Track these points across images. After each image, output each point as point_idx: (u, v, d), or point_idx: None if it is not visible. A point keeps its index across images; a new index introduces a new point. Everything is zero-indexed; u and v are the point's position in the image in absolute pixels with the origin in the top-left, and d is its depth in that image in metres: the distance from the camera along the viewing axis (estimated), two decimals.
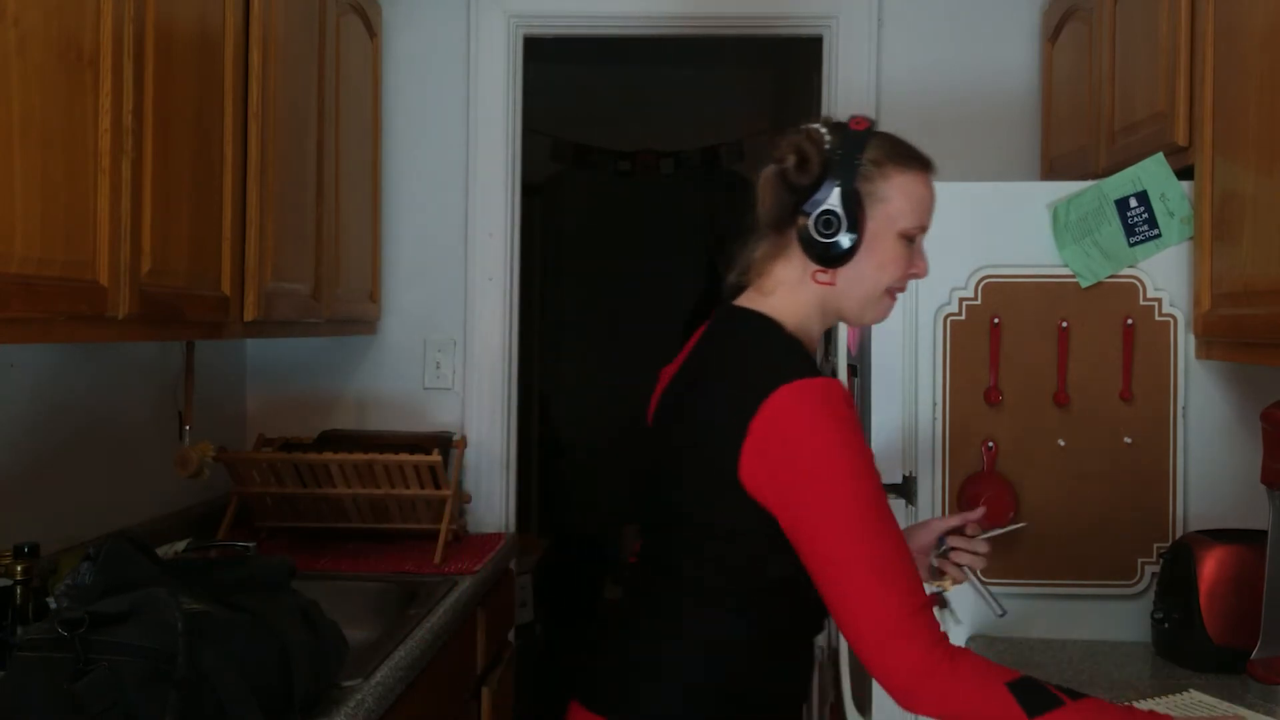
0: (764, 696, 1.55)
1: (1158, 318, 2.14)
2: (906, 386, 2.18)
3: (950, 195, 2.16)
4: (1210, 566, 1.95)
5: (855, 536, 1.38)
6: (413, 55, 3.15)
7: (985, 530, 1.73)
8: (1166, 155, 2.09)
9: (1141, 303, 2.14)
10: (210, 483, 2.62)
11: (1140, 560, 2.14)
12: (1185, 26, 2.01)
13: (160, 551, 2.06)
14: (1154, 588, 2.10)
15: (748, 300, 1.60)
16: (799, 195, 1.54)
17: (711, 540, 1.50)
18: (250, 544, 2.26)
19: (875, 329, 2.18)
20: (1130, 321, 2.14)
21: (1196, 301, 2.03)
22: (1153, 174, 2.10)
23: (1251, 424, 2.02)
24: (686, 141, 5.83)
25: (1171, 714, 1.48)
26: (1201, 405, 2.15)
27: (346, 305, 2.78)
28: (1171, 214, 2.10)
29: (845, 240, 1.52)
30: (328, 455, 2.65)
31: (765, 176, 1.62)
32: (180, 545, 2.26)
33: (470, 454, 3.12)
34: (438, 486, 2.69)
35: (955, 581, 1.71)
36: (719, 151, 5.81)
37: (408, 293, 3.16)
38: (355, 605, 2.33)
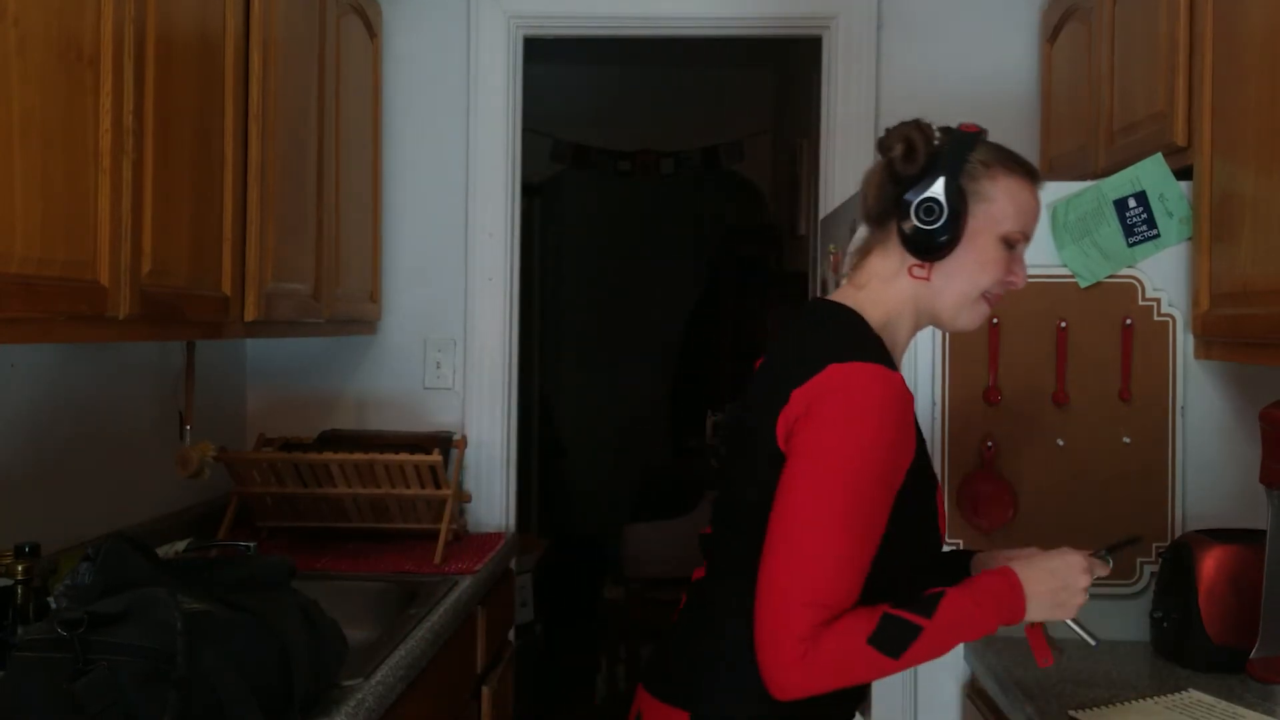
0: (826, 695, 1.50)
1: (1156, 318, 2.14)
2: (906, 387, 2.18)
3: None
4: (1209, 566, 1.95)
5: (805, 508, 1.38)
6: (413, 55, 3.15)
7: (1102, 548, 1.64)
8: (1165, 155, 2.09)
9: (1140, 303, 2.14)
10: (210, 483, 2.62)
11: (1139, 560, 2.15)
12: (1184, 26, 2.01)
13: (160, 551, 2.06)
14: (1153, 587, 2.10)
15: (839, 294, 1.60)
16: (902, 185, 1.52)
17: (761, 520, 1.47)
18: (250, 544, 2.25)
19: None
20: (1129, 321, 2.14)
21: (1195, 301, 2.04)
22: (1152, 174, 2.10)
23: (1250, 424, 2.03)
24: (686, 141, 5.84)
25: (1174, 713, 1.49)
26: (1200, 405, 2.15)
27: (347, 305, 2.78)
28: (1170, 214, 2.10)
29: (945, 232, 1.50)
30: (328, 455, 2.65)
31: (870, 171, 1.60)
32: (180, 545, 2.26)
33: (470, 454, 3.12)
34: (438, 486, 2.69)
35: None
36: (719, 151, 5.82)
37: (408, 293, 3.17)
38: (355, 605, 2.33)
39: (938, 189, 1.50)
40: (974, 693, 2.14)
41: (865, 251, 1.60)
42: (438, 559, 2.60)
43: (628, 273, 6.82)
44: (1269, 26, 1.74)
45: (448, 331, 3.17)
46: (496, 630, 2.82)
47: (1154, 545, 2.14)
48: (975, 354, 2.16)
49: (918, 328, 1.60)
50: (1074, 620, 1.59)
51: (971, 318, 1.57)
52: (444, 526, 2.67)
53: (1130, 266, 2.14)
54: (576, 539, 5.98)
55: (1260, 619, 1.85)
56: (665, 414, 6.48)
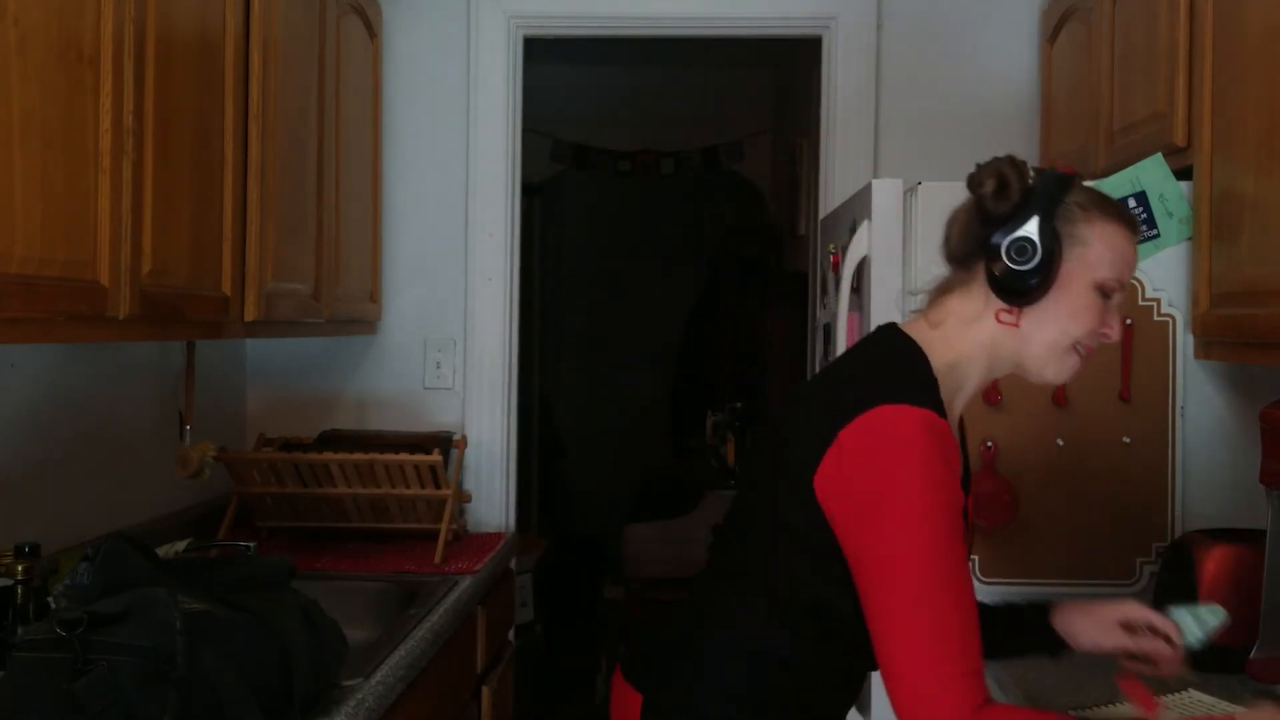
0: (803, 718, 1.51)
1: (1156, 318, 2.14)
2: None
3: (950, 196, 2.17)
4: (1209, 566, 1.95)
5: (910, 581, 1.31)
6: (413, 55, 3.15)
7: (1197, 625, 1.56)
8: (1165, 155, 2.09)
9: (1140, 303, 2.14)
10: (210, 483, 2.62)
11: (1139, 560, 2.15)
12: (1184, 26, 2.01)
13: (160, 551, 2.06)
14: (1153, 588, 2.10)
15: (911, 327, 1.53)
16: (992, 224, 1.46)
17: (776, 539, 1.46)
18: (250, 544, 2.26)
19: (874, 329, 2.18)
20: (1129, 321, 2.14)
21: (1195, 301, 2.03)
22: (1151, 174, 2.10)
23: (1250, 424, 2.03)
24: (686, 141, 5.84)
25: (1171, 712, 1.49)
26: (1200, 405, 2.15)
27: (346, 305, 2.78)
28: (1170, 214, 2.10)
29: (1038, 274, 1.43)
30: (328, 455, 2.65)
31: (956, 210, 1.54)
32: (180, 545, 2.26)
33: (470, 454, 3.12)
34: (438, 486, 2.69)
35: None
36: (719, 151, 5.82)
37: (408, 293, 3.17)
38: (355, 605, 2.33)
39: (1031, 228, 1.43)
40: None
41: (944, 290, 1.53)
42: (438, 559, 2.60)
43: (628, 273, 6.82)
44: (1269, 26, 1.74)
45: (448, 331, 3.17)
46: (496, 630, 2.82)
47: (1154, 545, 2.14)
48: None
49: (993, 374, 1.53)
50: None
51: (1060, 370, 1.49)
52: (444, 526, 2.67)
53: None
54: (576, 539, 5.98)
55: (1260, 619, 1.85)
56: (665, 414, 6.48)
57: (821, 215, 3.00)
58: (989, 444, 2.16)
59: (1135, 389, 2.14)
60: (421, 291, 3.17)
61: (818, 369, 2.98)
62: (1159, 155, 2.09)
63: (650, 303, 6.77)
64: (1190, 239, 2.09)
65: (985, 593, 1.94)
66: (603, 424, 6.76)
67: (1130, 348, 2.14)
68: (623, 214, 6.74)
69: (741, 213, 6.17)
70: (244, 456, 2.69)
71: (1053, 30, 2.84)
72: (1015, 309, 1.46)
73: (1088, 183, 2.15)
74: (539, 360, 6.20)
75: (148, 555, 1.55)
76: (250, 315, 2.18)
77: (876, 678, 1.46)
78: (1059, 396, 2.15)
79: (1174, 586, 2.00)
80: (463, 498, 2.97)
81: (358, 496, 2.70)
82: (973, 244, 1.49)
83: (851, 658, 1.49)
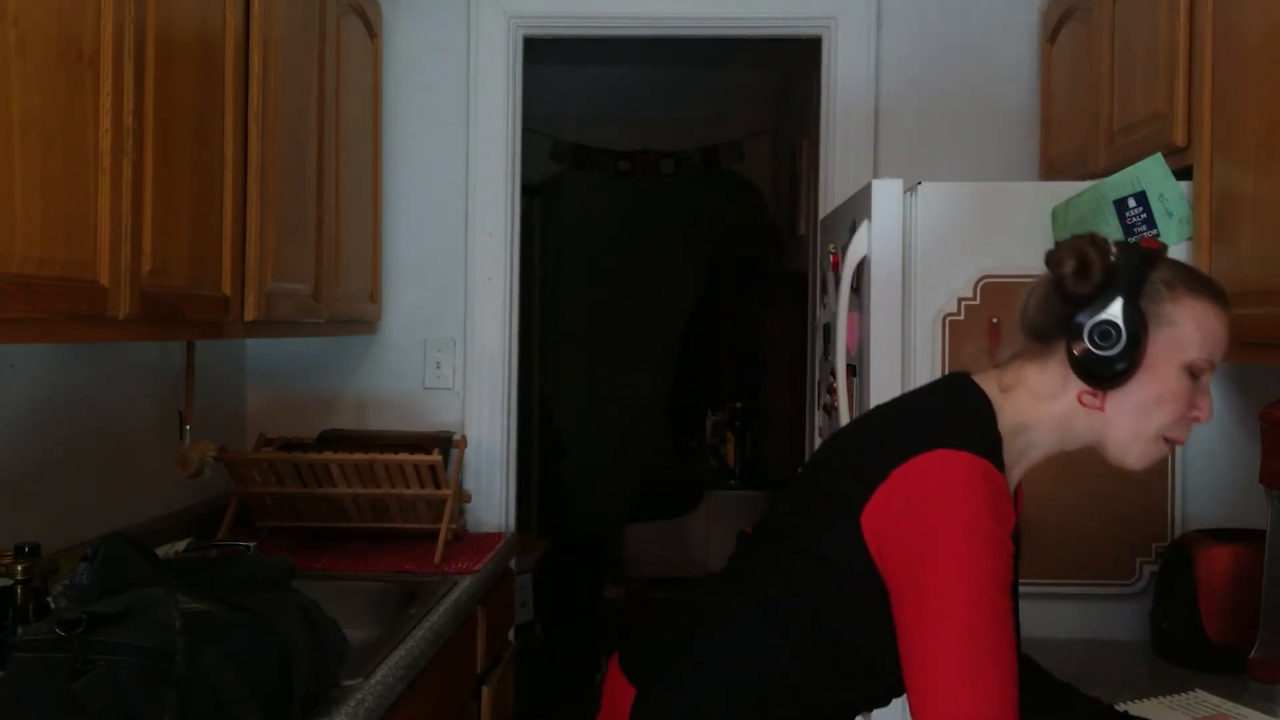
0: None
1: None
2: (905, 387, 2.18)
3: (950, 196, 2.18)
4: (1209, 566, 1.95)
5: (949, 627, 1.28)
6: (413, 55, 3.15)
7: None
8: (1165, 155, 2.09)
9: None
10: (210, 483, 2.62)
11: (1139, 560, 2.15)
12: (1184, 26, 2.01)
13: (160, 551, 2.06)
14: (1153, 588, 2.10)
15: (984, 378, 1.48)
16: (1074, 305, 1.41)
17: (805, 564, 1.44)
18: (250, 544, 2.26)
19: (874, 330, 2.18)
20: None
21: None
22: (1151, 174, 2.09)
23: (1250, 424, 2.03)
24: (686, 141, 5.84)
25: (1178, 713, 1.48)
26: None
27: (346, 305, 2.78)
28: (1170, 214, 2.10)
29: (1123, 359, 1.38)
30: (328, 455, 2.65)
31: (1034, 285, 1.48)
32: (180, 545, 2.26)
33: (470, 454, 3.12)
34: (438, 486, 2.69)
35: None
36: (719, 151, 5.82)
37: (408, 293, 3.17)
38: (355, 605, 2.33)
39: (1114, 311, 1.38)
40: None
41: (1019, 356, 1.48)
42: (438, 559, 2.60)
43: (628, 273, 6.82)
44: (1269, 26, 1.74)
45: (448, 331, 3.17)
46: (496, 630, 2.82)
47: (1154, 545, 2.14)
48: (975, 354, 2.16)
49: (1064, 447, 1.49)
50: None
51: (1144, 456, 1.44)
52: (444, 526, 2.67)
53: None
54: (576, 539, 5.98)
55: (1260, 619, 1.85)
56: (665, 414, 6.48)
57: (821, 215, 3.00)
58: None
59: None
60: (421, 291, 3.17)
61: (818, 369, 2.98)
62: (1159, 155, 2.09)
63: (650, 303, 6.77)
64: (1190, 239, 2.08)
65: None
66: (603, 424, 6.76)
67: None
68: (623, 214, 6.75)
69: (741, 213, 6.17)
70: (244, 456, 2.69)
71: (1053, 30, 2.84)
72: (1099, 393, 1.42)
73: (1089, 184, 2.16)
74: (539, 360, 6.21)
75: (147, 555, 1.55)
76: (250, 315, 2.18)
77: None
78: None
79: (1174, 586, 2.00)
80: (463, 498, 2.97)
81: (358, 496, 2.70)
82: (1052, 321, 1.44)
83: (852, 691, 1.48)
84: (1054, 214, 2.15)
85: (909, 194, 2.19)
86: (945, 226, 2.17)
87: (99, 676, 1.29)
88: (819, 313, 2.94)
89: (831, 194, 3.06)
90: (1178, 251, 2.11)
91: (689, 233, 6.67)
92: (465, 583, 2.45)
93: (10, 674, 1.33)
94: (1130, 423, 1.42)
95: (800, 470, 1.61)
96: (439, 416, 3.15)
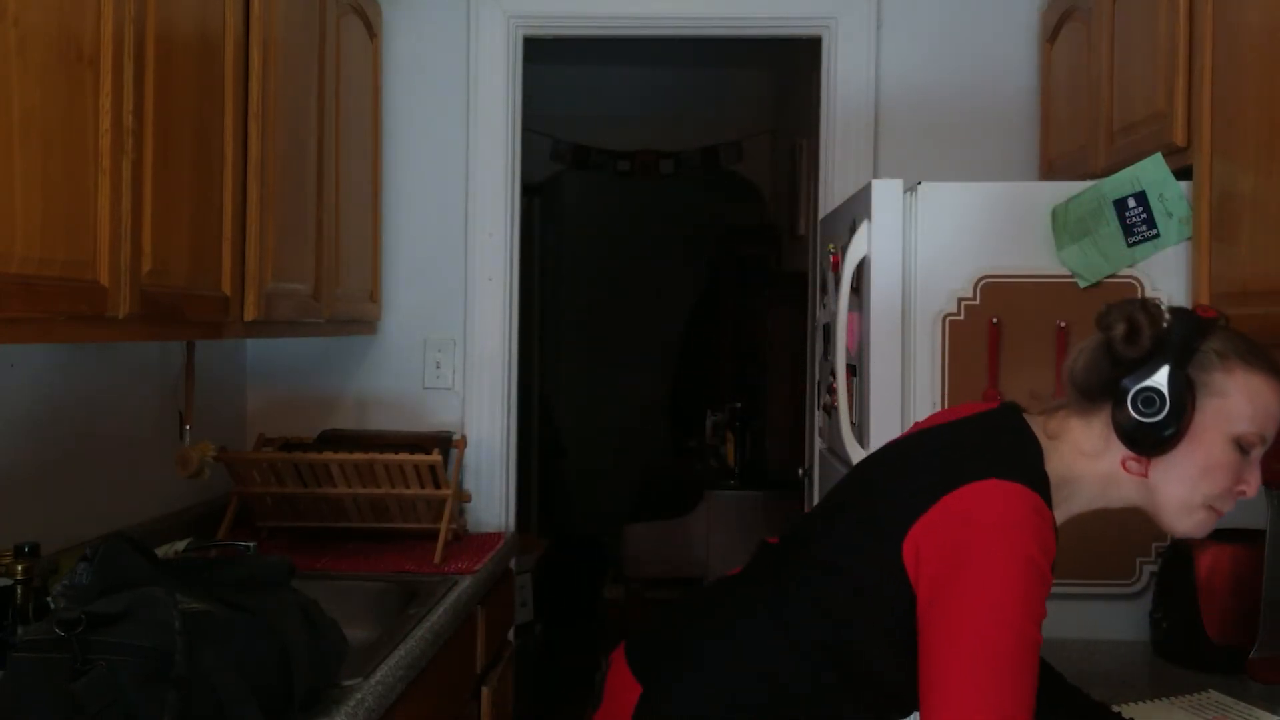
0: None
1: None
2: (905, 387, 2.19)
3: (950, 196, 2.18)
4: (1209, 566, 1.96)
5: (980, 644, 1.27)
6: (413, 55, 3.15)
7: None
8: (1165, 155, 2.09)
9: None
10: (210, 483, 2.62)
11: (1139, 560, 2.15)
12: (1184, 26, 2.01)
13: (160, 551, 2.06)
14: (1153, 587, 2.10)
15: (1034, 422, 1.47)
16: (1121, 368, 1.40)
17: (834, 583, 1.43)
18: (250, 544, 2.26)
19: (874, 330, 2.18)
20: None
21: (1195, 301, 2.04)
22: (1151, 174, 2.10)
23: None
24: (686, 141, 5.84)
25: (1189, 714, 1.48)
26: None
27: (346, 305, 2.78)
28: (1170, 214, 2.10)
29: (1167, 426, 1.36)
30: (328, 455, 2.65)
31: (1085, 345, 1.47)
32: (180, 545, 2.26)
33: (470, 454, 3.12)
34: (438, 486, 2.69)
35: None
36: (719, 151, 5.82)
37: (408, 293, 3.17)
38: (355, 605, 2.33)
39: (1160, 378, 1.37)
40: None
41: (1066, 408, 1.47)
42: (437, 559, 2.60)
43: (628, 273, 6.82)
44: (1268, 26, 1.74)
45: (448, 331, 3.17)
46: (496, 630, 2.82)
47: (1154, 545, 2.14)
48: (975, 354, 2.16)
49: (1105, 504, 1.48)
50: None
51: (1190, 525, 1.43)
52: (444, 526, 2.67)
53: (1130, 266, 2.14)
54: (576, 539, 5.98)
55: (1260, 619, 1.85)
56: (665, 414, 6.48)
57: (821, 215, 3.00)
58: None
59: None
60: (421, 291, 3.17)
61: (818, 369, 2.98)
62: (1159, 155, 2.09)
63: (650, 303, 6.77)
64: (1190, 239, 2.09)
65: None
66: (603, 424, 6.76)
67: None
68: (623, 214, 6.74)
69: (741, 213, 6.17)
70: (244, 456, 2.69)
71: (1053, 30, 2.84)
72: (1142, 459, 1.41)
73: (1089, 184, 2.16)
74: (539, 360, 6.20)
75: (147, 555, 1.55)
76: (250, 315, 2.18)
77: None
78: (1059, 395, 2.14)
79: (1174, 586, 2.00)
80: (463, 497, 2.98)
81: (358, 496, 2.70)
82: (1098, 382, 1.43)
83: (858, 706, 1.46)
84: (1054, 214, 2.15)
85: (909, 194, 2.19)
86: (945, 226, 2.17)
87: (99, 676, 1.29)
88: (819, 313, 2.94)
89: (831, 194, 3.06)
90: (1177, 251, 2.12)
91: (689, 233, 6.67)
92: (465, 583, 2.45)
93: (10, 674, 1.33)
94: (1174, 491, 1.41)
95: (835, 488, 1.60)
96: (439, 416, 3.15)
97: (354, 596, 2.39)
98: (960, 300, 2.17)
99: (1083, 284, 2.14)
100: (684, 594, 1.71)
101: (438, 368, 3.16)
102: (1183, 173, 2.06)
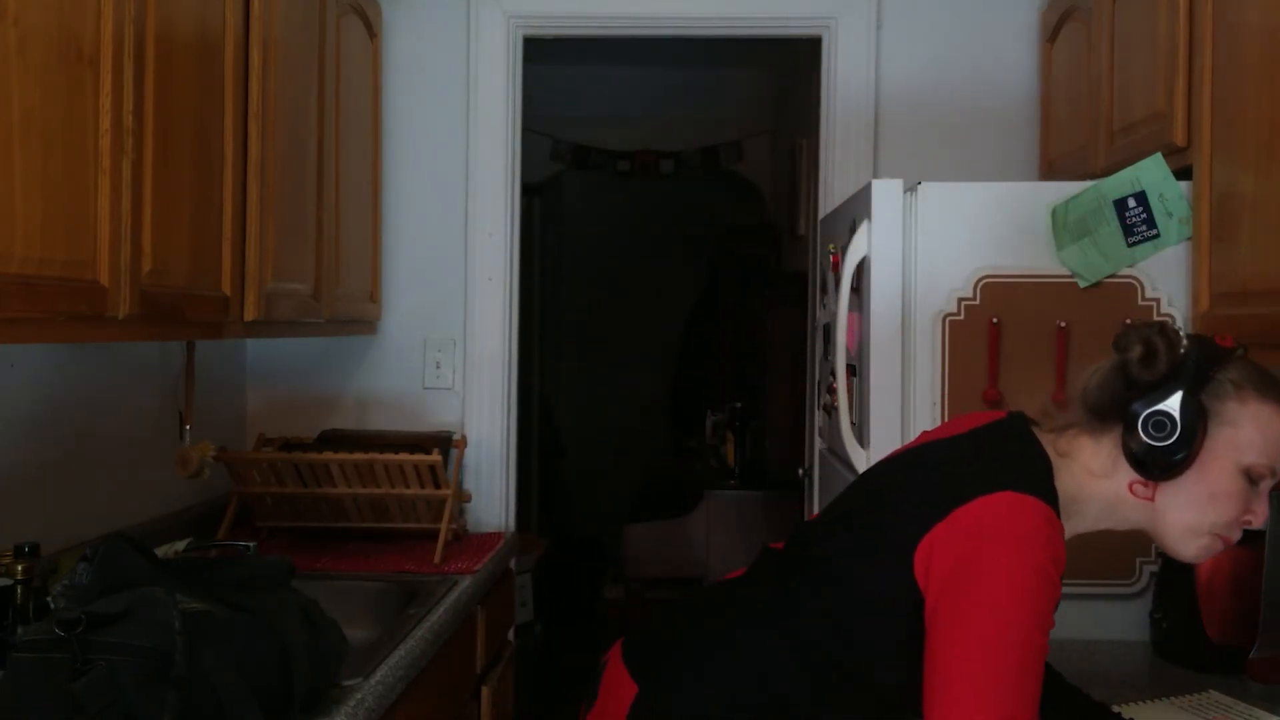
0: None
1: (1156, 318, 2.14)
2: (906, 387, 2.19)
3: (950, 196, 2.18)
4: (1208, 566, 1.95)
5: (988, 650, 1.27)
6: (413, 55, 3.15)
7: None
8: (1165, 155, 2.09)
9: (1140, 303, 2.14)
10: (210, 483, 2.62)
11: (1139, 560, 2.15)
12: (1184, 26, 2.01)
13: (160, 551, 2.06)
14: (1153, 587, 2.10)
15: (1040, 435, 1.47)
16: (1134, 391, 1.40)
17: (837, 592, 1.43)
18: (250, 544, 2.26)
19: (874, 330, 2.18)
20: (1129, 322, 2.13)
21: (1195, 301, 2.04)
22: (1151, 174, 2.10)
23: None
24: (686, 141, 5.84)
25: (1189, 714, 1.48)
26: None
27: (346, 305, 2.78)
28: (1170, 214, 2.10)
29: (1177, 451, 1.36)
30: (328, 455, 2.65)
31: (1100, 365, 1.47)
32: (180, 545, 2.26)
33: (470, 454, 3.12)
34: (438, 486, 2.69)
35: None
36: (719, 151, 5.82)
37: (408, 293, 3.17)
38: (355, 605, 2.33)
39: (1172, 403, 1.37)
40: None
41: (1076, 426, 1.47)
42: (437, 559, 2.60)
43: (628, 273, 6.82)
44: (1268, 26, 1.74)
45: (448, 331, 3.17)
46: (496, 630, 2.82)
47: (1154, 545, 2.14)
48: (975, 354, 2.16)
49: (1112, 526, 1.48)
50: None
51: (1193, 550, 1.43)
52: (444, 526, 2.67)
53: (1130, 266, 2.14)
54: (576, 539, 5.98)
55: (1260, 619, 1.85)
56: (665, 414, 6.48)
57: (821, 215, 3.00)
58: None
59: None
60: (421, 291, 3.17)
61: (818, 369, 2.98)
62: (1159, 155, 2.09)
63: (650, 303, 6.77)
64: (1190, 239, 2.09)
65: None
66: (603, 424, 6.75)
67: None
68: (623, 214, 6.74)
69: (741, 213, 6.17)
70: (244, 456, 2.69)
71: (1053, 30, 2.84)
72: (1149, 483, 1.41)
73: (1089, 184, 2.16)
74: (539, 360, 6.20)
75: (147, 555, 1.55)
76: (250, 315, 2.18)
77: None
78: (1059, 395, 2.15)
79: (1173, 586, 2.00)
80: (463, 497, 2.97)
81: (358, 496, 2.70)
82: (1111, 403, 1.43)
83: (855, 714, 1.46)
84: (1054, 214, 2.15)
85: (909, 194, 2.19)
86: (945, 226, 2.17)
87: (99, 676, 1.29)
88: (819, 313, 2.94)
89: (831, 194, 3.06)
90: (1177, 251, 2.12)
91: (689, 233, 6.67)
92: (465, 583, 2.45)
93: (10, 674, 1.32)
94: (1180, 519, 1.41)
95: (841, 496, 1.59)
96: (439, 416, 3.15)
97: (354, 596, 2.39)
98: (960, 300, 2.17)
99: (1083, 284, 2.14)
100: (683, 595, 1.72)
101: (438, 368, 3.16)
102: (1183, 173, 2.06)
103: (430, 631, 2.09)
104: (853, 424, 2.32)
